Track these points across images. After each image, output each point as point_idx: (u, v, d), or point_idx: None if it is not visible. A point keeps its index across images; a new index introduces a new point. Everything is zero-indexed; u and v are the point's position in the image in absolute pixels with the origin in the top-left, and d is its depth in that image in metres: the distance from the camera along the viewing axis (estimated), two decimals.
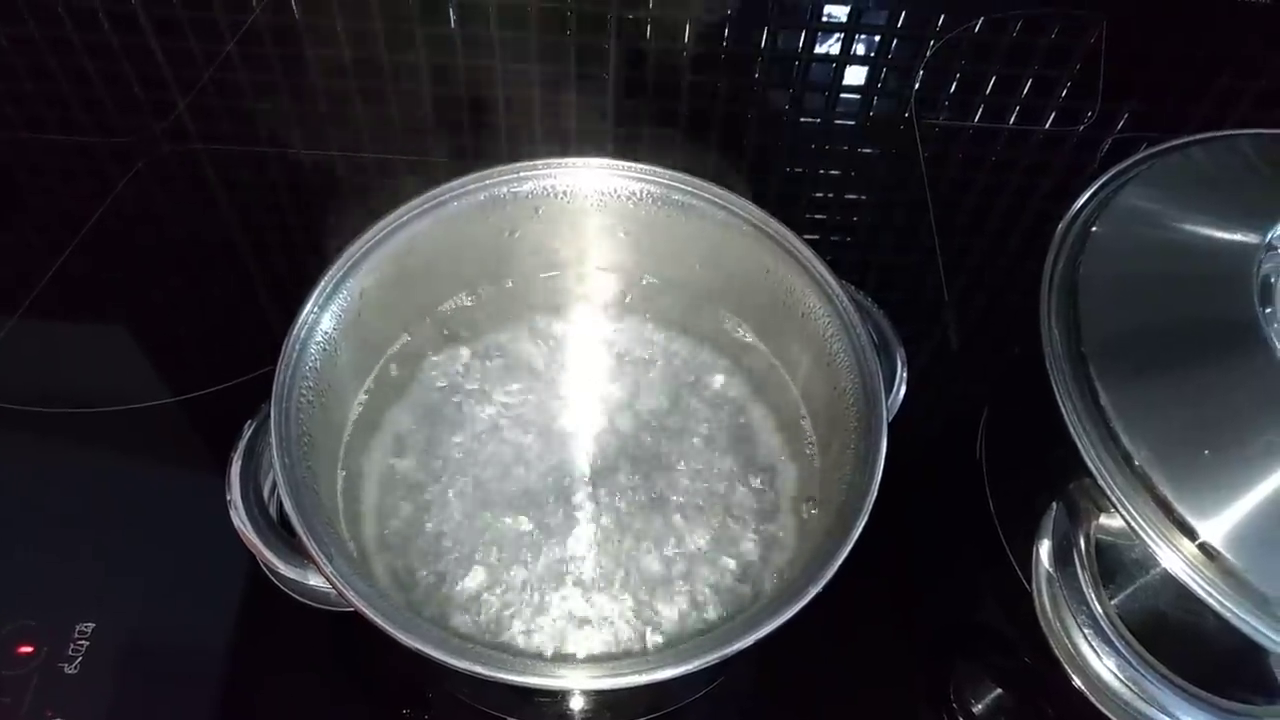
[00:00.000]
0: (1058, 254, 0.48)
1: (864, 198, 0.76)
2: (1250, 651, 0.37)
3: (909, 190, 0.75)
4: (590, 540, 0.47)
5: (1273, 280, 0.44)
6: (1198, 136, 0.52)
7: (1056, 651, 0.41)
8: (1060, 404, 0.42)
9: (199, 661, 0.48)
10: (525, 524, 0.47)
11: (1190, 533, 0.38)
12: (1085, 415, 0.41)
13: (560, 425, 0.51)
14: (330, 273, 0.47)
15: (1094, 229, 0.47)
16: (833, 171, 0.79)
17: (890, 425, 0.42)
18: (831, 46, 0.89)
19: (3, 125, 0.76)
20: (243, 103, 0.80)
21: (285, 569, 0.40)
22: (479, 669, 0.35)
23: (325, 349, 0.46)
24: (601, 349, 0.55)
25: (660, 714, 0.47)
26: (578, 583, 0.45)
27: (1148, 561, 0.41)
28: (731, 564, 0.46)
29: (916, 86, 0.85)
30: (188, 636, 0.49)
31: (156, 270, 0.67)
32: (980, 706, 0.49)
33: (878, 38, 0.90)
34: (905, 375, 0.47)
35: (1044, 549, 0.43)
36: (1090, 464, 0.40)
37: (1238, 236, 0.45)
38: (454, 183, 0.51)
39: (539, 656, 0.43)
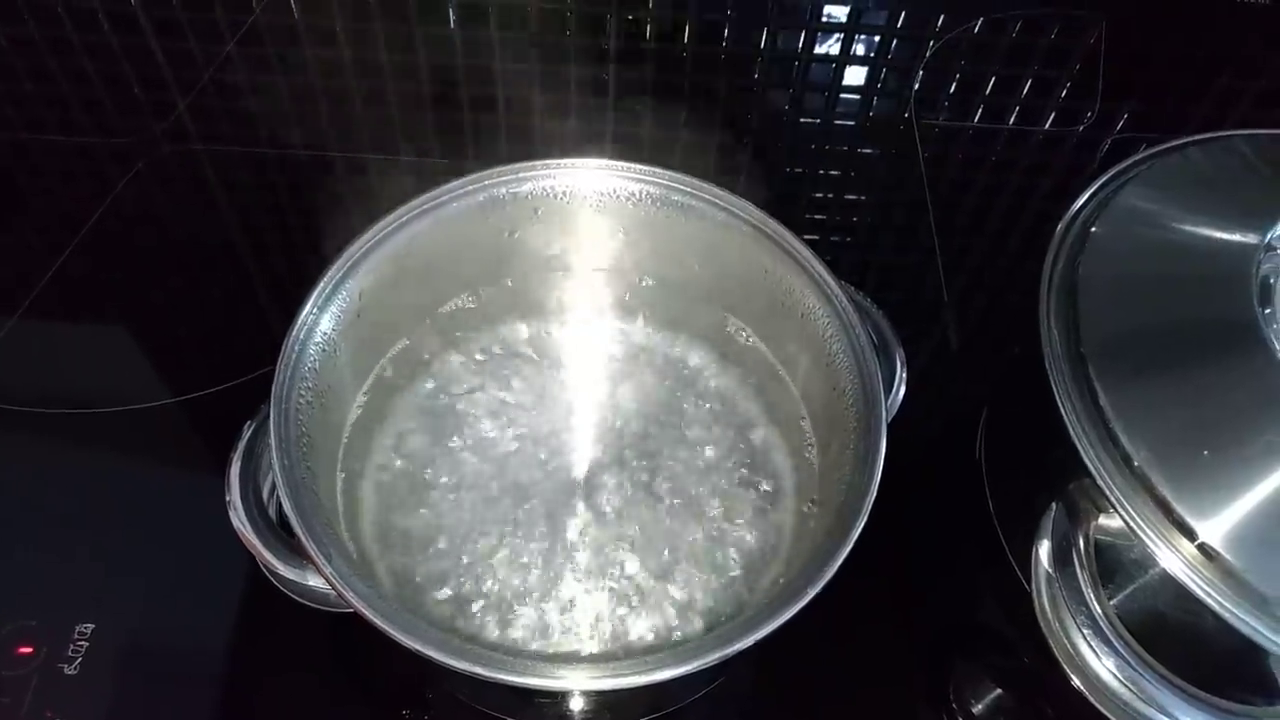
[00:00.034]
0: (1057, 254, 0.48)
1: (863, 198, 0.76)
2: (1249, 652, 0.37)
3: (908, 190, 0.75)
4: (590, 540, 0.47)
5: (1272, 281, 0.44)
6: (1197, 137, 0.52)
7: (1056, 652, 0.41)
8: (1059, 404, 0.42)
9: (198, 662, 0.48)
10: (525, 524, 0.47)
11: (1189, 533, 0.38)
12: (1084, 416, 0.41)
13: (559, 426, 0.51)
14: (329, 273, 0.47)
15: (1093, 229, 0.47)
16: (832, 172, 0.79)
17: (889, 425, 0.42)
18: (831, 47, 0.89)
19: (3, 126, 0.76)
20: (243, 103, 0.80)
21: (284, 570, 0.40)
22: (479, 670, 0.35)
23: (325, 350, 0.46)
24: (601, 350, 0.55)
25: (660, 714, 0.48)
26: (577, 582, 0.45)
27: (1147, 562, 0.41)
28: (731, 564, 0.46)
29: (916, 87, 0.85)
30: (187, 637, 0.49)
31: (156, 271, 0.67)
32: (979, 707, 0.49)
33: (877, 38, 0.90)
34: (904, 375, 0.47)
35: (1043, 549, 0.43)
36: (1089, 464, 0.40)
37: (1237, 237, 0.45)
38: (453, 183, 0.51)
39: (539, 657, 0.43)
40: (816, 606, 0.36)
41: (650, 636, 0.44)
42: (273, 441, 0.41)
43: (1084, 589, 0.40)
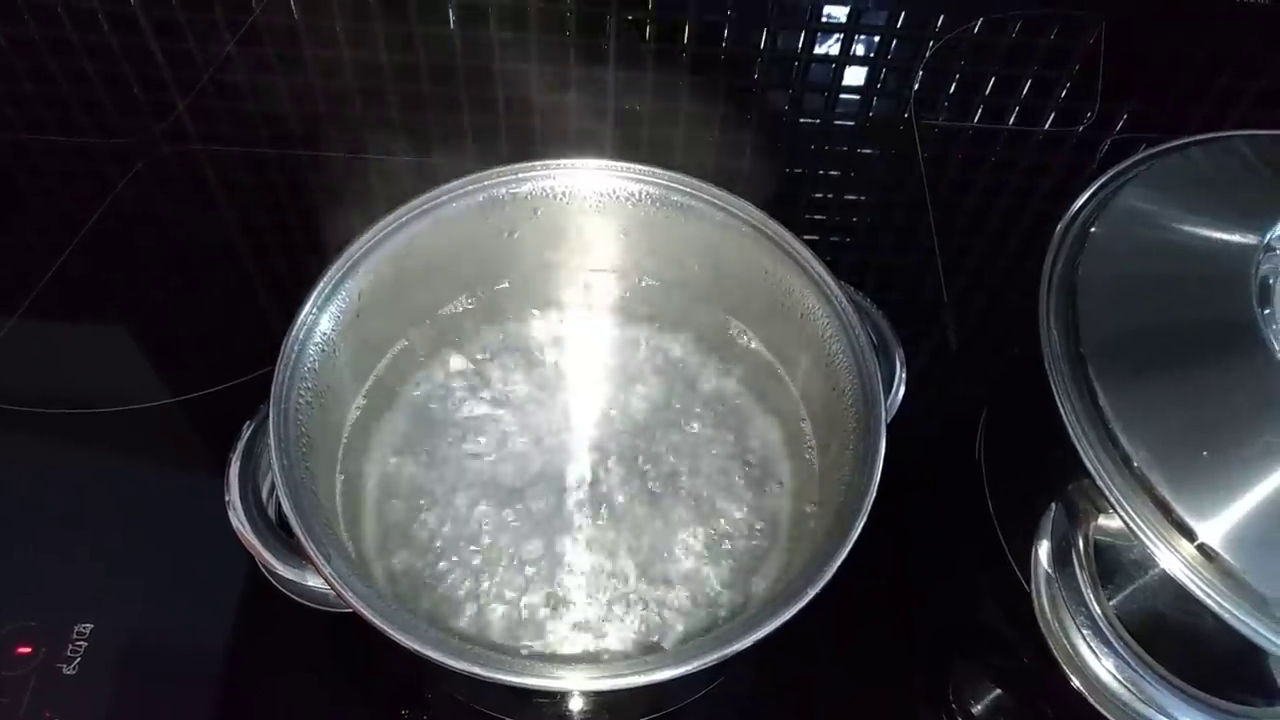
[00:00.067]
0: (1057, 255, 0.48)
1: (863, 198, 0.76)
2: (1249, 652, 0.37)
3: (908, 191, 0.75)
4: (589, 540, 0.47)
5: (1271, 281, 0.44)
6: (1197, 137, 0.52)
7: (1055, 652, 0.41)
8: (1059, 405, 0.42)
9: (197, 662, 0.48)
10: (524, 525, 0.47)
11: (1189, 534, 0.38)
12: (1084, 416, 0.41)
13: (559, 426, 0.51)
14: (329, 274, 0.47)
15: (1093, 230, 0.47)
16: (832, 172, 0.79)
17: (889, 426, 0.42)
18: (831, 47, 0.89)
19: (3, 126, 0.76)
20: (242, 103, 0.80)
21: (284, 570, 0.40)
22: (477, 670, 0.35)
23: (324, 350, 0.46)
24: (600, 350, 0.55)
25: (660, 714, 0.47)
26: (576, 583, 0.45)
27: (1146, 562, 0.41)
28: (730, 564, 0.46)
29: (916, 87, 0.85)
30: (186, 637, 0.49)
31: (156, 271, 0.67)
32: (979, 707, 0.49)
33: (877, 38, 0.90)
34: (904, 376, 0.47)
35: (1043, 550, 0.43)
36: (1089, 465, 0.40)
37: (1236, 237, 0.45)
38: (453, 184, 0.51)
39: (538, 657, 0.43)
40: (816, 606, 0.36)
41: (650, 637, 0.44)
42: (272, 442, 0.41)
43: (1083, 589, 0.40)
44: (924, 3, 0.91)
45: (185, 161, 0.74)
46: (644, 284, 0.56)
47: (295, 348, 0.44)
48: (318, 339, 0.46)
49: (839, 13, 0.91)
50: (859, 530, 0.38)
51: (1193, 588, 0.37)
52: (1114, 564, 0.42)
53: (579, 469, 0.50)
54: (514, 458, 0.50)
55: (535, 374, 0.53)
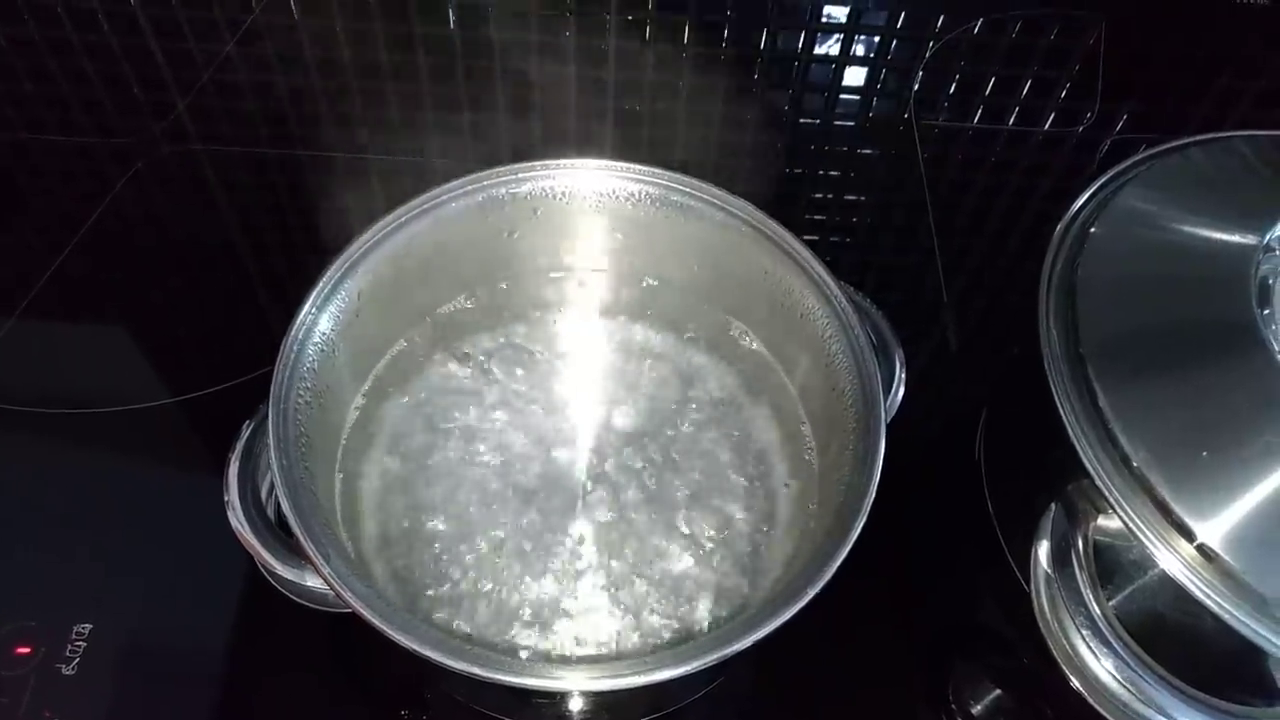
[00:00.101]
0: (1056, 255, 0.48)
1: (863, 199, 0.76)
2: (1248, 653, 0.37)
3: (908, 191, 0.75)
4: (588, 541, 0.47)
5: (1270, 282, 0.44)
6: (1197, 138, 0.52)
7: (1055, 652, 0.41)
8: (1059, 405, 0.42)
9: (196, 662, 0.48)
10: (523, 525, 0.47)
11: (1188, 534, 0.38)
12: (1084, 416, 0.41)
13: (558, 426, 0.51)
14: (328, 274, 0.47)
15: (1093, 230, 0.47)
16: (832, 172, 0.79)
17: (889, 426, 0.42)
18: (831, 47, 0.89)
19: (3, 126, 0.76)
20: (242, 103, 0.80)
21: (283, 570, 0.40)
22: (477, 670, 0.35)
23: (323, 350, 0.46)
24: (600, 350, 0.55)
25: (660, 714, 0.47)
26: (576, 583, 0.45)
27: (1146, 563, 0.41)
28: (730, 564, 0.46)
29: (916, 87, 0.85)
30: (185, 637, 0.49)
31: (155, 271, 0.67)
32: (979, 707, 0.49)
33: (877, 39, 0.90)
34: (904, 376, 0.47)
35: (1042, 550, 0.43)
36: (1089, 465, 0.40)
37: (1236, 238, 0.45)
38: (452, 184, 0.51)
39: (538, 657, 0.43)
40: (816, 606, 0.36)
41: (649, 637, 0.44)
42: (271, 441, 0.41)
43: (1083, 590, 0.40)
44: (924, 3, 0.92)
45: (185, 161, 0.74)
46: (643, 284, 0.56)
47: (294, 348, 0.44)
48: (317, 339, 0.46)
49: (839, 13, 0.91)
50: (859, 530, 0.38)
51: (1192, 588, 0.37)
52: (1113, 564, 0.42)
53: (578, 469, 0.50)
54: (513, 457, 0.50)
55: (534, 374, 0.53)
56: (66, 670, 0.46)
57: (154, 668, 0.48)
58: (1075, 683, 0.40)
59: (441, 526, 0.47)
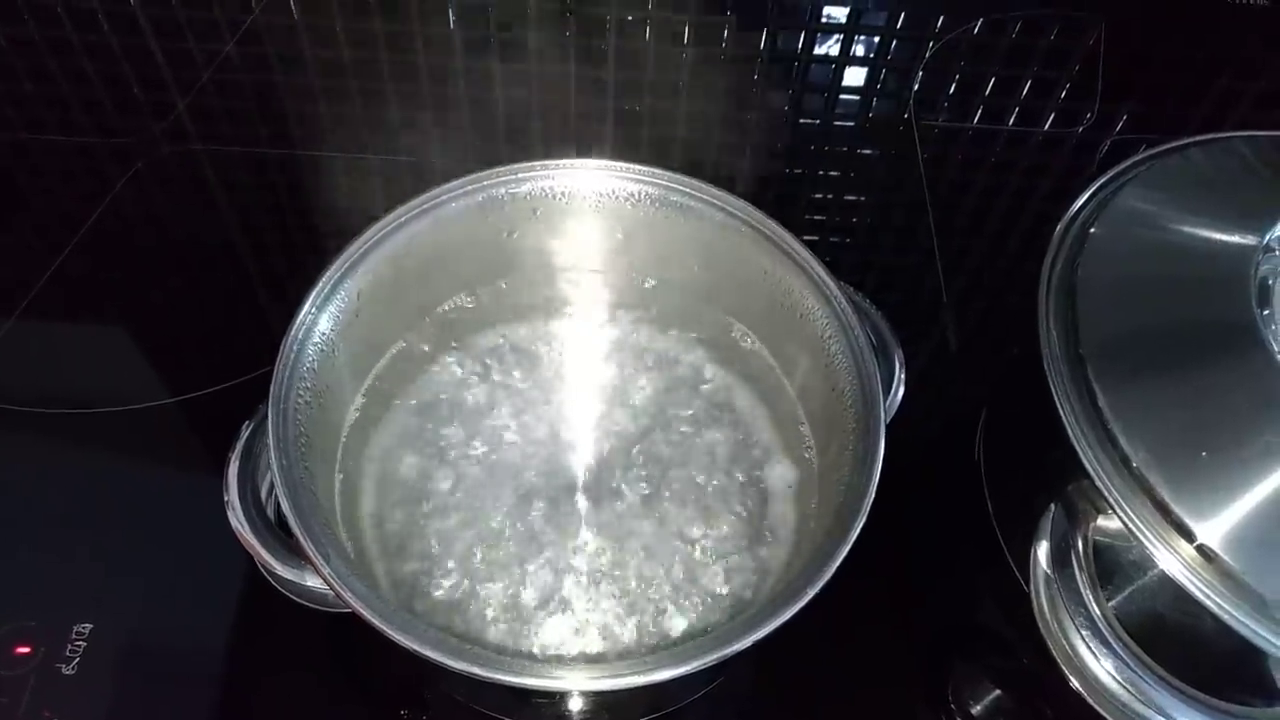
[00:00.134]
0: (1056, 255, 0.48)
1: (863, 199, 0.76)
2: (1248, 654, 0.37)
3: (908, 191, 0.75)
4: (588, 541, 0.47)
5: (1270, 282, 0.44)
6: (1196, 138, 0.52)
7: (1054, 653, 0.41)
8: (1058, 405, 0.42)
9: (196, 662, 0.48)
10: (523, 525, 0.47)
11: (1188, 534, 0.38)
12: (1083, 417, 0.41)
13: (558, 426, 0.51)
14: (328, 273, 0.47)
15: (1092, 230, 0.47)
16: (832, 173, 0.79)
17: (888, 426, 0.42)
18: (831, 48, 0.89)
19: (3, 126, 0.76)
20: (242, 103, 0.80)
21: (283, 570, 0.40)
22: (477, 670, 0.35)
23: (323, 350, 0.46)
24: (599, 350, 0.55)
25: (659, 714, 0.47)
26: (576, 583, 0.45)
27: (1145, 563, 0.41)
28: (729, 565, 0.46)
29: (915, 88, 0.85)
30: (185, 637, 0.49)
31: (155, 271, 0.67)
32: (978, 707, 0.49)
33: (877, 39, 0.90)
34: (903, 376, 0.47)
35: (1042, 550, 0.43)
36: (1088, 466, 0.40)
37: (1236, 238, 0.45)
38: (452, 183, 0.51)
39: (537, 657, 0.43)
40: (816, 606, 0.36)
41: (649, 636, 0.44)
42: (271, 441, 0.41)
43: (1083, 590, 0.40)
44: (924, 3, 0.92)
45: (185, 161, 0.74)
46: (643, 284, 0.56)
47: (294, 347, 0.44)
48: (316, 339, 0.46)
49: (839, 13, 0.91)
50: (859, 530, 0.38)
51: (1192, 589, 0.37)
52: (1113, 565, 0.42)
53: (577, 469, 0.50)
54: (513, 458, 0.50)
55: (534, 374, 0.53)
56: (66, 670, 0.46)
57: (154, 668, 0.48)
58: (1075, 683, 0.40)
59: (441, 526, 0.47)
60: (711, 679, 0.48)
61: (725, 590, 0.46)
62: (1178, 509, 0.38)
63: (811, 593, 0.37)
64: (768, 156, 0.79)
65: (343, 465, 0.48)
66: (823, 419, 0.49)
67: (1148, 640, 0.39)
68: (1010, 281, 0.70)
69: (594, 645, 0.44)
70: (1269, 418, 0.39)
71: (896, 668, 0.51)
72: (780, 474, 0.50)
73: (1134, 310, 0.45)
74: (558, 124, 0.79)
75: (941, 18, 0.90)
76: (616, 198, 0.52)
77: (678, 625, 0.44)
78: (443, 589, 0.45)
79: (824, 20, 0.91)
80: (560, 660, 0.43)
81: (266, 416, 0.41)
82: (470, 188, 0.51)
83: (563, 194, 0.52)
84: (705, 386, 0.53)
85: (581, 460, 0.50)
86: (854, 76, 0.87)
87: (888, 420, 0.43)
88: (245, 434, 0.43)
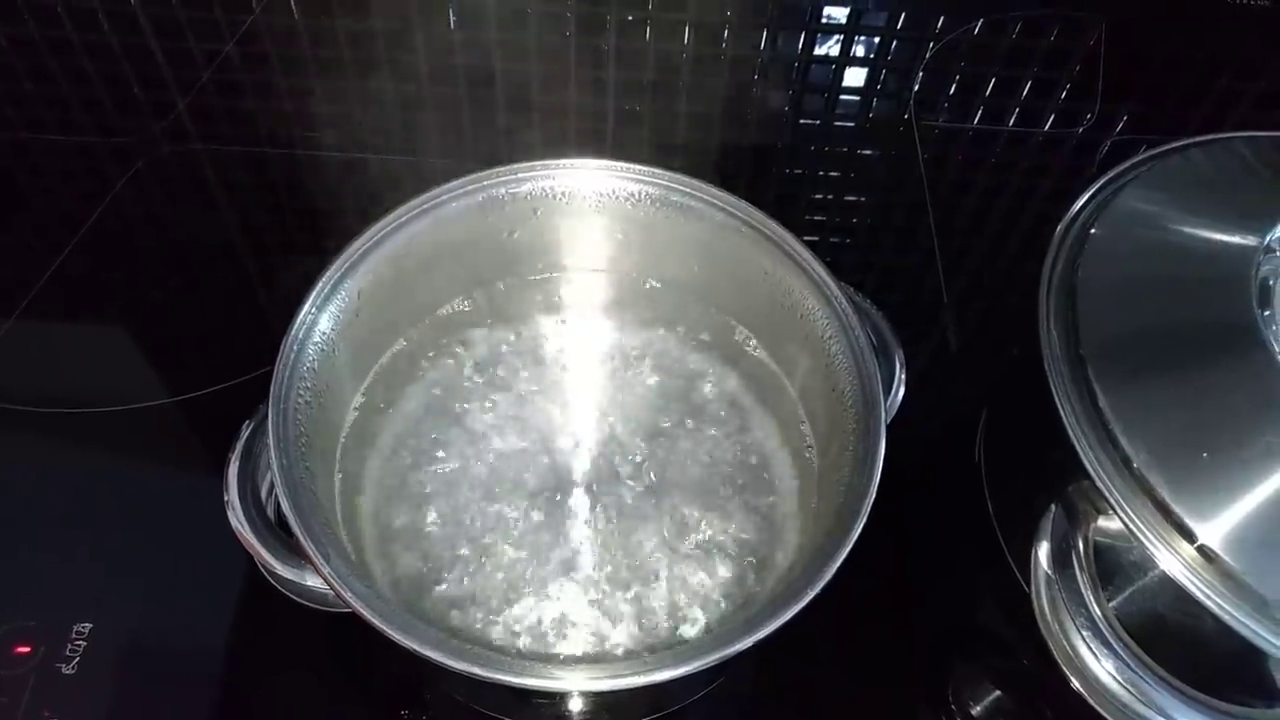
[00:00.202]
0: (1056, 256, 0.48)
1: (863, 199, 0.76)
2: (1249, 654, 0.37)
3: (908, 192, 0.75)
4: (588, 541, 0.47)
5: (1271, 283, 0.44)
6: (1197, 139, 0.52)
7: (1055, 653, 0.41)
8: (1059, 406, 0.42)
9: (196, 662, 0.48)
10: (523, 525, 0.47)
11: (1189, 535, 0.38)
12: (1084, 417, 0.41)
13: (558, 427, 0.51)
14: (328, 273, 0.47)
15: (1093, 231, 0.47)
16: (832, 173, 0.79)
17: (889, 427, 0.42)
18: (831, 48, 0.89)
19: (3, 126, 0.76)
20: (242, 103, 0.80)
21: (283, 569, 0.40)
22: (477, 670, 0.35)
23: (323, 350, 0.46)
24: (599, 350, 0.55)
25: (660, 715, 0.47)
26: (576, 584, 0.45)
27: (1146, 564, 0.41)
28: (730, 565, 0.46)
29: (916, 88, 0.85)
30: (185, 637, 0.49)
31: (155, 270, 0.67)
32: (979, 708, 0.49)
33: (877, 39, 0.90)
34: (904, 377, 0.47)
35: (1042, 551, 0.43)
36: (1089, 466, 0.40)
37: (1236, 239, 0.45)
38: (452, 183, 0.51)
39: (538, 657, 0.43)
40: (816, 607, 0.36)
41: (649, 636, 0.44)
42: (271, 441, 0.41)
43: (1083, 591, 0.40)
44: (924, 3, 0.91)
45: (185, 161, 0.74)
46: (643, 285, 0.56)
47: (294, 347, 0.44)
48: (317, 339, 0.46)
49: (839, 13, 0.91)
50: (859, 530, 0.38)
51: (1192, 589, 0.37)
52: (1114, 565, 0.42)
53: (578, 469, 0.50)
54: (513, 458, 0.50)
55: (534, 374, 0.53)
56: (66, 670, 0.46)
57: (154, 667, 0.48)
58: (1075, 684, 0.40)
59: (441, 526, 0.47)
60: (712, 679, 0.48)
61: (725, 590, 0.46)
62: (1178, 509, 0.38)
63: (812, 593, 0.37)
64: (768, 157, 0.79)
65: (343, 465, 0.48)
66: (823, 419, 0.49)
67: (1148, 641, 0.39)
68: (1010, 282, 0.70)
69: (594, 645, 0.44)
70: (1270, 418, 0.39)
71: (896, 668, 0.51)
72: (781, 474, 0.50)
73: (1135, 311, 0.45)
74: (558, 124, 0.79)
75: (941, 18, 0.90)
76: (616, 198, 0.52)
77: (678, 625, 0.44)
78: (443, 588, 0.45)
79: (824, 21, 0.90)
80: (560, 660, 0.43)
81: (266, 416, 0.41)
82: (470, 188, 0.51)
83: (563, 194, 0.52)
84: (705, 387, 0.53)
85: (581, 460, 0.50)
86: (854, 77, 0.87)
87: (888, 420, 0.43)
88: (245, 434, 0.43)
